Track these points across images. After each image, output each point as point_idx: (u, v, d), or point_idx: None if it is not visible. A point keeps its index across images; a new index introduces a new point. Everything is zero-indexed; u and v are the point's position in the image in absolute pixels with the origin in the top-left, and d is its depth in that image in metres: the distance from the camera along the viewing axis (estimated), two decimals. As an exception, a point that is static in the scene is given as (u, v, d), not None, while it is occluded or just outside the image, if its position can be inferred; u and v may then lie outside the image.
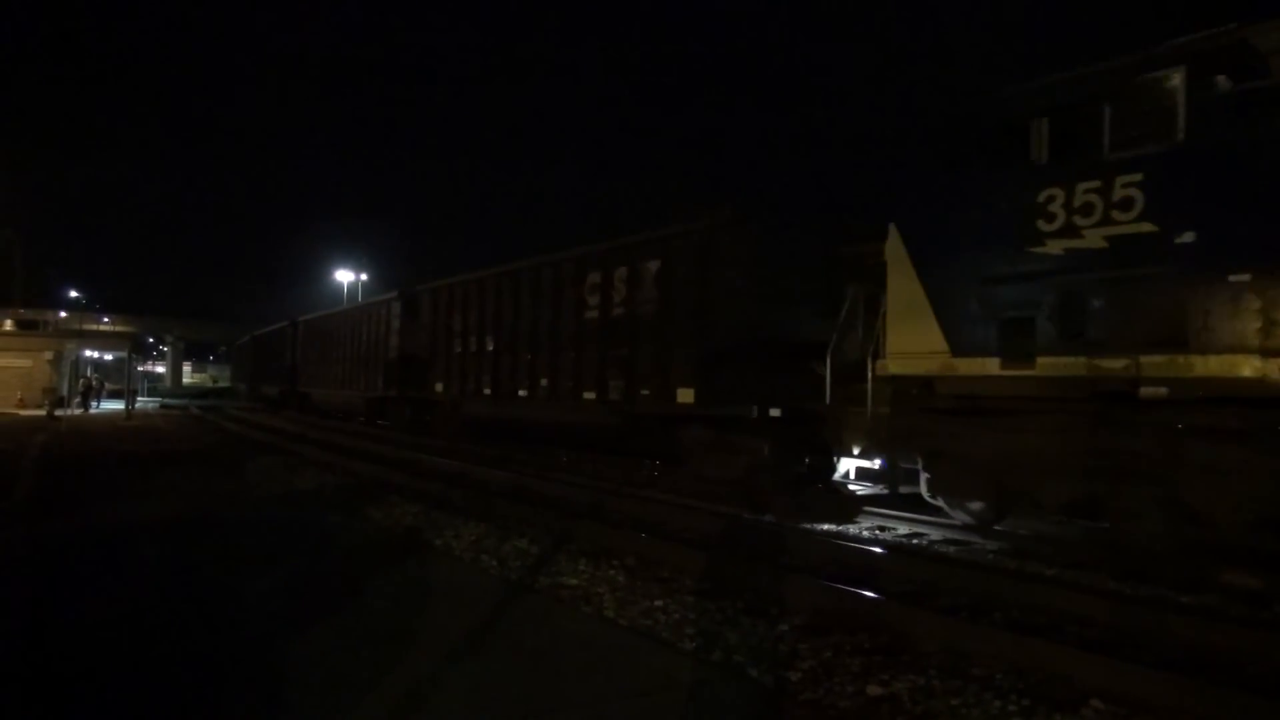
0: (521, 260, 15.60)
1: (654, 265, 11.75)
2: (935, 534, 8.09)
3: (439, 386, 18.18)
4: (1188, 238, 6.17)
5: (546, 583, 6.12)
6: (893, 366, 8.33)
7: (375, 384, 22.22)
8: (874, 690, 4.07)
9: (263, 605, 5.34)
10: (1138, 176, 6.47)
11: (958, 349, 7.69)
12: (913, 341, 8.10)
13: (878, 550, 7.14)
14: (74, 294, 72.13)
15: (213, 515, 8.93)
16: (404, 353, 20.23)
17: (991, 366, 7.40)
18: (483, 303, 16.52)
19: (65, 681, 3.94)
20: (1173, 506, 6.38)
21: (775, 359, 10.09)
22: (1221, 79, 6.32)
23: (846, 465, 9.82)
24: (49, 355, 35.60)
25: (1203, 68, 6.30)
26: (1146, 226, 6.40)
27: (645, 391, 11.74)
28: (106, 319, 67.87)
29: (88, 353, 45.15)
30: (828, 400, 9.15)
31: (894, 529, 8.48)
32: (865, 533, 8.37)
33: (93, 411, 34.03)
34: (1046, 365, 7.00)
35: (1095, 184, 6.72)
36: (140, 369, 63.79)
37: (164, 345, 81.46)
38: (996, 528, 7.91)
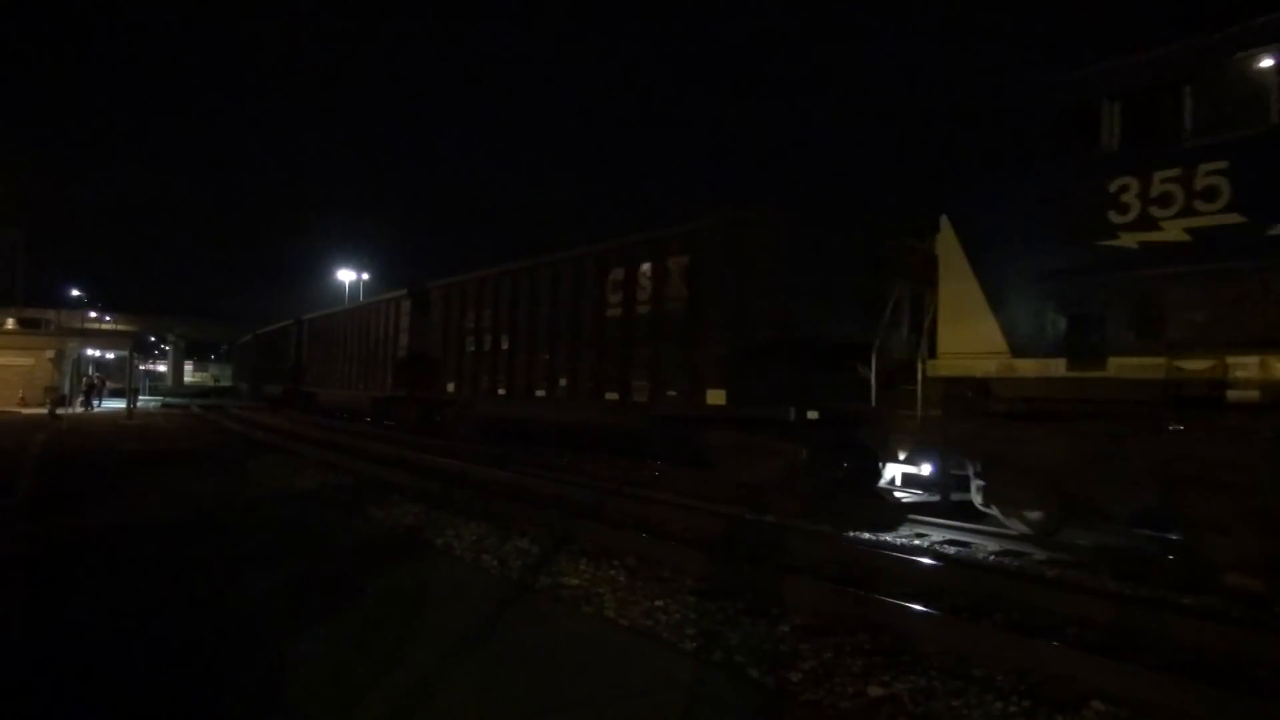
0: (539, 256, 15.17)
1: (682, 260, 11.29)
2: (992, 544, 7.66)
3: (450, 386, 17.79)
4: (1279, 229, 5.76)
5: (547, 583, 6.08)
6: (945, 368, 7.91)
7: (383, 383, 21.79)
8: (875, 691, 4.06)
9: (264, 604, 5.35)
10: (1222, 164, 6.05)
11: (1018, 349, 7.27)
12: (967, 341, 7.68)
13: (882, 552, 6.97)
14: (76, 293, 72.03)
15: (214, 514, 8.87)
16: (413, 351, 19.82)
17: (1057, 368, 6.97)
18: (497, 300, 16.09)
19: (66, 680, 3.93)
20: (1260, 519, 5.95)
21: (812, 359, 9.64)
22: None
23: (892, 471, 9.36)
24: (51, 354, 35.32)
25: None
26: (1233, 218, 5.97)
27: (672, 392, 11.31)
28: (108, 318, 67.49)
29: (89, 351, 44.78)
30: (873, 403, 8.71)
31: (928, 535, 8.11)
32: (896, 539, 7.99)
33: (94, 410, 34.02)
34: (1119, 366, 6.57)
35: (1174, 172, 6.29)
36: (142, 368, 63.45)
37: (165, 344, 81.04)
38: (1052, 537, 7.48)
